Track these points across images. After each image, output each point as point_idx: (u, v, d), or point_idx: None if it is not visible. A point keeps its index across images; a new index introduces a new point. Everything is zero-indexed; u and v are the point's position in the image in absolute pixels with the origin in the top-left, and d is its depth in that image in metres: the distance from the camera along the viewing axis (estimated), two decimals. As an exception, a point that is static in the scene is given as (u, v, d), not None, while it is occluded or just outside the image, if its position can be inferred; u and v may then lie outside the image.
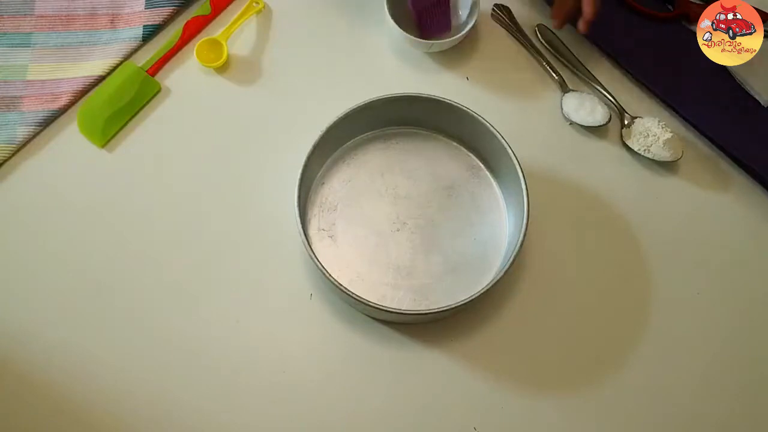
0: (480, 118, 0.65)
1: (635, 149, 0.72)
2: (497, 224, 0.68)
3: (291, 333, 0.65)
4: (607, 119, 0.73)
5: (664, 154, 0.71)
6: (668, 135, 0.72)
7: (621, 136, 0.73)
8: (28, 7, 0.76)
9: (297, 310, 0.65)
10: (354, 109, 0.65)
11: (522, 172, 0.63)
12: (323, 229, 0.67)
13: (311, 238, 0.66)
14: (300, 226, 0.61)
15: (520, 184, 0.62)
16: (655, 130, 0.72)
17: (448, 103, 0.66)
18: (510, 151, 0.64)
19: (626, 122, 0.73)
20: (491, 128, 0.65)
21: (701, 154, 0.74)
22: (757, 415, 0.64)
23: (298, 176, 0.63)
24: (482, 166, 0.70)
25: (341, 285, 0.59)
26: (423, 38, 0.73)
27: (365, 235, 0.67)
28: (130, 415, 0.61)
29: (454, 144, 0.71)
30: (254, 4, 0.77)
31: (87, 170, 0.71)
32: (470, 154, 0.70)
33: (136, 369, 0.63)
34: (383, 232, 0.67)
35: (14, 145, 0.70)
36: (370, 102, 0.66)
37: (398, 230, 0.67)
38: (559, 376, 0.64)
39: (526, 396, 0.63)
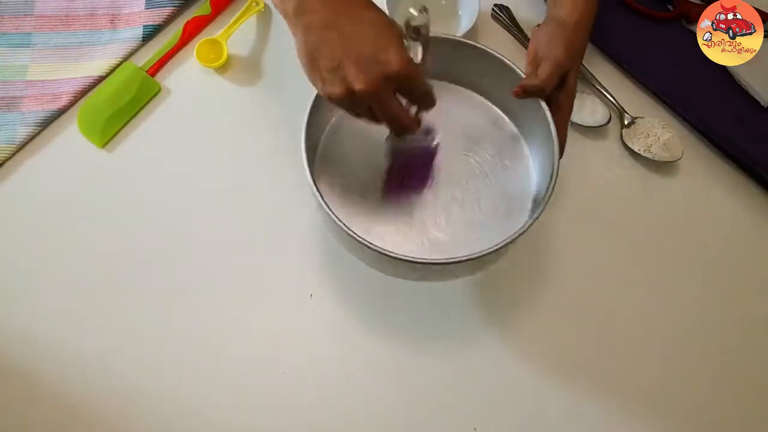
0: (503, 58, 0.61)
1: (635, 149, 0.72)
2: (524, 176, 0.63)
3: (291, 333, 0.65)
4: (607, 119, 0.73)
5: (664, 154, 0.71)
6: (668, 135, 0.72)
7: (621, 136, 0.73)
8: (28, 7, 0.77)
9: (297, 310, 0.65)
10: None
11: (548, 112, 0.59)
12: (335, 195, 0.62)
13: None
14: (311, 179, 0.55)
15: (548, 127, 0.58)
16: (655, 130, 0.72)
17: (466, 43, 0.61)
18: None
19: (626, 122, 0.73)
20: (514, 67, 0.61)
21: (701, 154, 0.73)
22: (759, 416, 0.64)
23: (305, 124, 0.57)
24: (503, 115, 0.66)
25: (358, 235, 0.53)
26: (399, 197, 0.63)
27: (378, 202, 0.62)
28: (130, 414, 0.61)
29: (470, 92, 0.67)
30: (254, 4, 0.77)
31: (87, 170, 0.71)
32: (490, 104, 0.66)
33: (135, 369, 0.63)
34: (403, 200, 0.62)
35: (14, 145, 0.70)
36: None
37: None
38: (559, 376, 0.64)
39: (525, 395, 0.63)
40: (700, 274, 0.68)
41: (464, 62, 0.64)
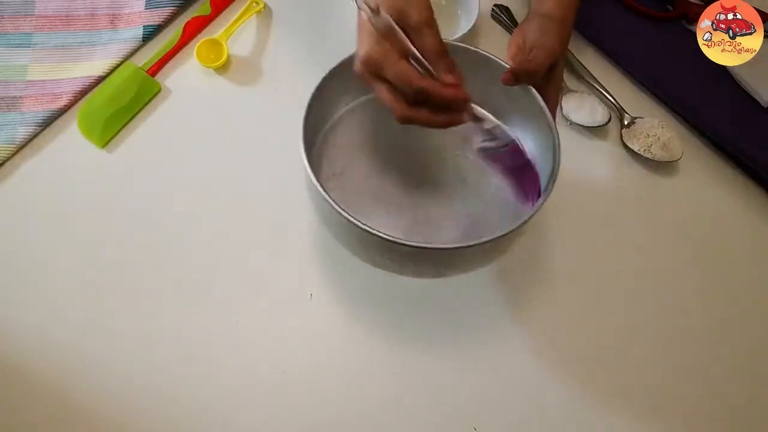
0: (492, 56, 0.59)
1: (635, 149, 0.72)
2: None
3: (291, 333, 0.65)
4: (607, 119, 0.73)
5: (664, 154, 0.71)
6: (668, 135, 0.72)
7: (621, 136, 0.73)
8: (29, 7, 0.77)
9: (297, 310, 0.65)
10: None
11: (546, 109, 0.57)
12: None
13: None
14: (309, 169, 0.54)
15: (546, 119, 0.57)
16: (655, 130, 0.72)
17: (454, 45, 0.59)
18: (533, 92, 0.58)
19: (626, 122, 0.73)
20: (495, 59, 0.59)
21: (701, 154, 0.73)
22: (758, 416, 0.64)
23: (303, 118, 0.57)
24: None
25: (357, 220, 0.51)
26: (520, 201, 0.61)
27: (376, 199, 0.62)
28: (129, 415, 0.61)
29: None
30: (254, 4, 0.77)
31: (87, 170, 0.71)
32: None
33: (135, 369, 0.63)
34: (398, 194, 0.62)
35: (14, 146, 0.70)
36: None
37: (417, 188, 0.63)
38: (560, 376, 0.64)
39: (526, 395, 0.63)
40: (700, 273, 0.68)
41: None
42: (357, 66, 0.51)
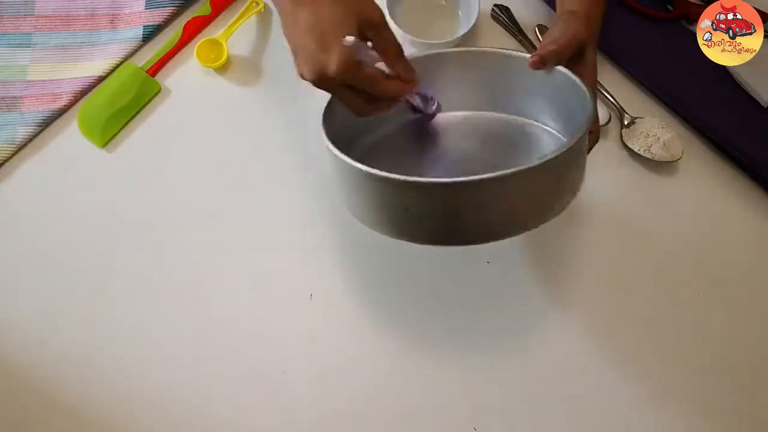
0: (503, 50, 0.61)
1: (635, 149, 0.72)
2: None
3: (291, 333, 0.65)
4: (607, 119, 0.73)
5: (664, 154, 0.71)
6: (668, 135, 0.72)
7: (621, 136, 0.73)
8: (29, 7, 0.77)
9: (297, 310, 0.65)
10: None
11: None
12: None
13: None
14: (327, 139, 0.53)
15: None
16: (655, 130, 0.72)
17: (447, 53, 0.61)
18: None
19: (626, 122, 0.73)
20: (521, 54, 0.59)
21: (701, 154, 0.73)
22: (760, 417, 0.64)
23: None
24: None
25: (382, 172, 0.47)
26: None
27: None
28: (129, 415, 0.61)
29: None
30: (254, 4, 0.77)
31: (87, 170, 0.71)
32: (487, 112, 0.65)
33: (135, 369, 0.63)
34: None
35: (14, 145, 0.71)
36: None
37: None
38: (559, 376, 0.64)
39: (526, 395, 0.63)
40: (700, 274, 0.68)
41: (455, 71, 0.63)
42: (333, 71, 0.49)
